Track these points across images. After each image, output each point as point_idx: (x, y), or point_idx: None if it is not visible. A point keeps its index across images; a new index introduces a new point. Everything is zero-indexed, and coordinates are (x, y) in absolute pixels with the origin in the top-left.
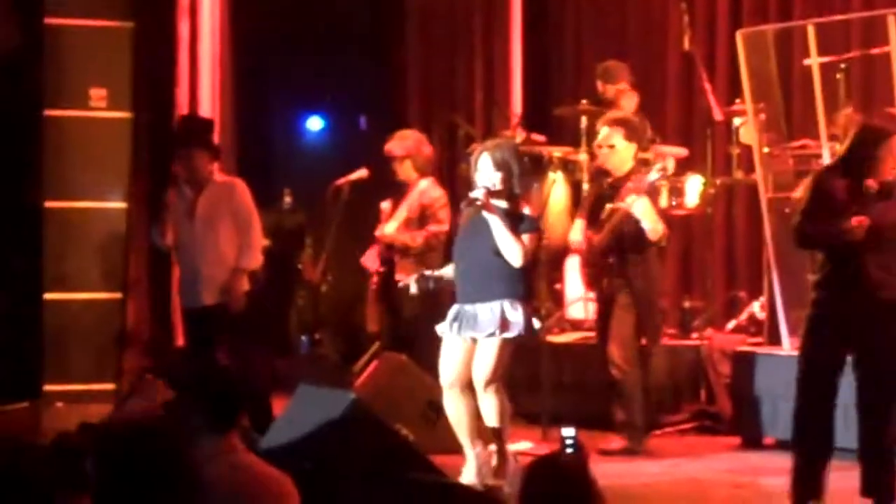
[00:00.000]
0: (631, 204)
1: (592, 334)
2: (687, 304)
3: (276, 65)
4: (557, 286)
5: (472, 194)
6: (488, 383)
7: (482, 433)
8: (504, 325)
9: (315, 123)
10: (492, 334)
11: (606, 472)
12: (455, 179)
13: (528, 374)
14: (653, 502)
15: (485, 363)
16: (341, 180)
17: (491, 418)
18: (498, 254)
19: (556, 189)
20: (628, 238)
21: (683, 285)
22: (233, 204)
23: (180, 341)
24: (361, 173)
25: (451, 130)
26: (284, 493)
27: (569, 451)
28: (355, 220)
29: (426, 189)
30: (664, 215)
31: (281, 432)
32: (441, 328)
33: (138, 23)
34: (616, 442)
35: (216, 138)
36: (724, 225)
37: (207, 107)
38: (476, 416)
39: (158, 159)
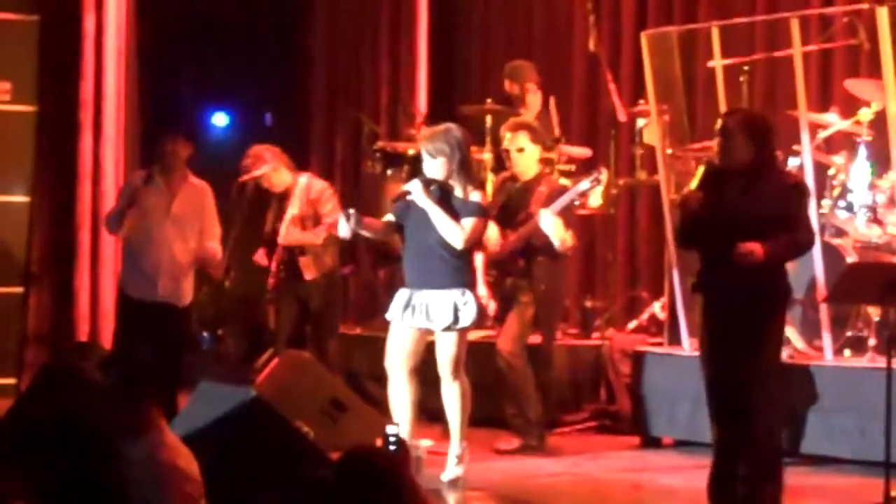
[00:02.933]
0: (539, 218)
1: (494, 332)
2: (588, 303)
3: (182, 60)
4: None
5: (406, 187)
6: (454, 373)
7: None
8: (458, 315)
9: (220, 119)
10: (448, 328)
11: (505, 470)
12: (359, 176)
13: (429, 371)
14: (552, 501)
15: (447, 355)
16: (246, 176)
17: (453, 407)
18: (446, 242)
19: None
20: (538, 246)
21: (585, 285)
22: (204, 208)
23: (82, 336)
24: (265, 170)
25: (356, 128)
26: (196, 474)
27: (391, 448)
28: (259, 217)
29: (309, 184)
30: (576, 223)
31: (181, 428)
32: (391, 314)
33: (44, 16)
34: (510, 441)
35: (122, 132)
36: (626, 225)
37: (112, 101)
38: (417, 407)
39: (62, 153)
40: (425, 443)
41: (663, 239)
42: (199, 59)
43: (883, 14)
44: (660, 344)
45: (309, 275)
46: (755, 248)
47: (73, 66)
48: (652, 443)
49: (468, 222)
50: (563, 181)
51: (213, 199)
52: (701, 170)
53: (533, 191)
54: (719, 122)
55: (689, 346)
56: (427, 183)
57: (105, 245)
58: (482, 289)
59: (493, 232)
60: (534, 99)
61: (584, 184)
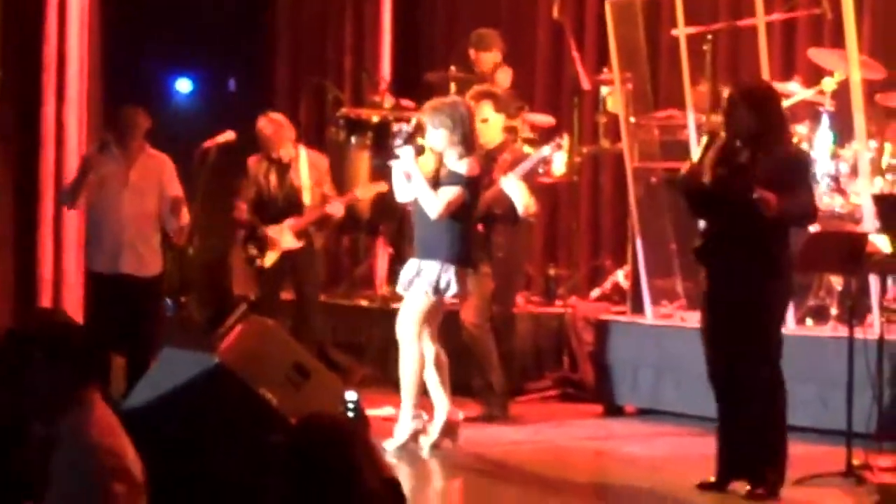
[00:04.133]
0: (505, 181)
1: (456, 301)
2: (552, 271)
3: (146, 26)
4: None
5: (399, 151)
6: (403, 338)
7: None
8: (412, 281)
9: (184, 85)
10: (404, 290)
11: (468, 438)
12: (323, 143)
13: (393, 340)
14: (514, 468)
15: (401, 317)
16: (209, 142)
17: (404, 371)
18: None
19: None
20: (499, 214)
21: (549, 253)
22: (164, 178)
23: (45, 303)
24: (229, 136)
25: (320, 94)
26: (132, 454)
27: (349, 414)
28: (222, 183)
29: (312, 158)
30: (536, 188)
31: (144, 394)
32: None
33: None
34: (474, 409)
35: (85, 97)
36: (589, 193)
37: (76, 67)
38: (446, 372)
39: (25, 118)
40: (387, 410)
41: (627, 207)
42: (163, 25)
43: None
44: (623, 312)
45: (317, 243)
46: (770, 196)
47: (36, 30)
48: (614, 411)
49: (444, 191)
50: (527, 149)
51: (173, 168)
52: (704, 140)
53: (496, 159)
54: (726, 94)
55: (651, 315)
56: (420, 151)
57: (68, 212)
58: None
59: None
60: (503, 76)
61: (546, 149)
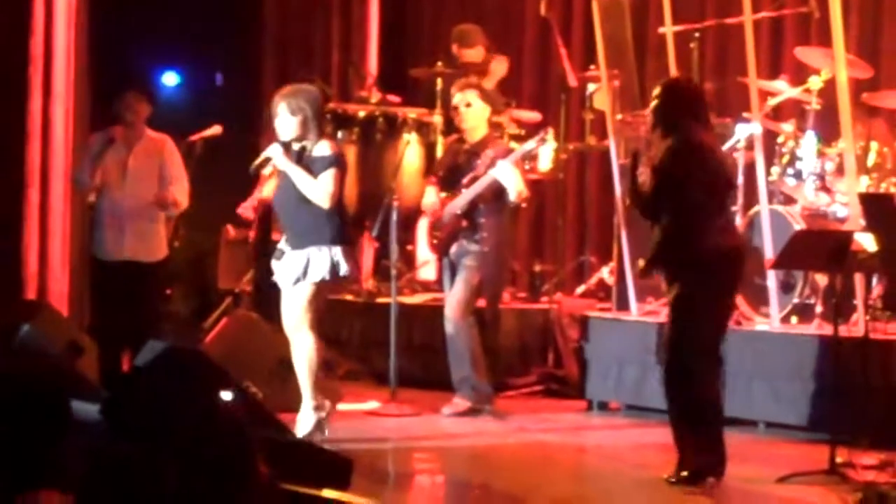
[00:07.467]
0: (498, 170)
1: (442, 295)
2: (537, 267)
3: (133, 19)
4: (409, 248)
5: (266, 153)
6: (295, 329)
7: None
8: (307, 270)
9: (171, 79)
10: (296, 281)
11: (452, 431)
12: None
13: (377, 334)
14: (498, 464)
15: (289, 309)
16: (195, 136)
17: (299, 363)
18: (304, 201)
19: (410, 151)
20: (485, 202)
21: (534, 249)
22: (164, 158)
23: (31, 295)
24: (215, 130)
25: None
26: None
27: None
28: (208, 177)
29: None
30: (526, 180)
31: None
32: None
33: None
34: (457, 404)
35: (72, 91)
36: (575, 190)
37: (62, 59)
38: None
39: (11, 111)
40: (372, 404)
41: (612, 204)
42: (150, 18)
43: None
44: (608, 309)
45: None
46: None
47: (22, 24)
48: (599, 407)
49: (324, 176)
50: (513, 144)
51: (174, 148)
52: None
53: (480, 154)
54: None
55: (636, 311)
56: (287, 146)
57: (54, 204)
58: (427, 252)
59: (429, 198)
60: (498, 66)
61: (531, 143)
